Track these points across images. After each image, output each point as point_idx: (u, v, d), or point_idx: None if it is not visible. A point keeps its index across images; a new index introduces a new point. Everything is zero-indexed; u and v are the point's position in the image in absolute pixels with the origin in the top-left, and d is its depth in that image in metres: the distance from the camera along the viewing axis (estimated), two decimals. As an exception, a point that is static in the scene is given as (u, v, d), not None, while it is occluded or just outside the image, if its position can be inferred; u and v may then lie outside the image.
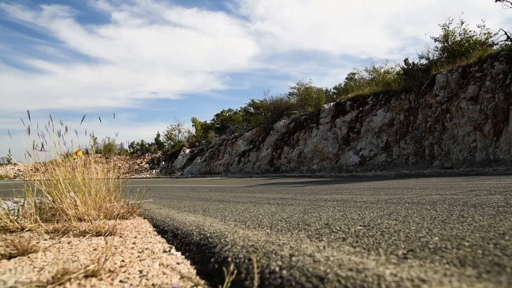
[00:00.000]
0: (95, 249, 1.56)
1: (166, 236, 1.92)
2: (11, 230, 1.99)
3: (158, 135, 31.74)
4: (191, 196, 5.19)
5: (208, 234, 1.71)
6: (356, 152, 13.95)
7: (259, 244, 1.40)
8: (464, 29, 13.72)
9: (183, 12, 73.24)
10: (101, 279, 1.09)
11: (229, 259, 1.25)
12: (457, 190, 3.73)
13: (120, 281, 1.09)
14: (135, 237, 1.86)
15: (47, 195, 2.39)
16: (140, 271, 1.19)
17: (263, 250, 1.30)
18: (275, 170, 17.37)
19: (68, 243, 1.70)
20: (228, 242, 1.49)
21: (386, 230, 1.60)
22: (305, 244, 1.39)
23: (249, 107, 27.27)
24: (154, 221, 2.47)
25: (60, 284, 1.04)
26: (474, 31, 13.67)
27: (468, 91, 11.00)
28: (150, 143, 32.23)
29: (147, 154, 29.65)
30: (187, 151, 25.41)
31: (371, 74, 19.27)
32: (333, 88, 24.99)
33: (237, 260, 1.22)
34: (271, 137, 18.83)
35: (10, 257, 1.40)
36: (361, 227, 1.73)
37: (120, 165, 26.46)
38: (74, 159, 2.75)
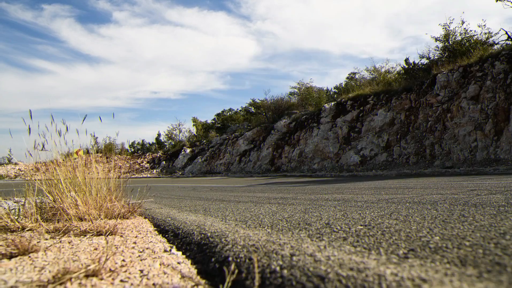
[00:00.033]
0: (95, 249, 1.56)
1: (167, 235, 1.92)
2: (12, 229, 2.00)
3: (159, 135, 31.79)
4: (191, 196, 5.19)
5: (209, 234, 1.71)
6: (356, 152, 13.94)
7: (260, 244, 1.40)
8: (464, 28, 13.70)
9: (184, 12, 73.33)
10: (101, 279, 1.09)
11: (230, 258, 1.25)
12: (458, 189, 3.72)
13: (121, 280, 1.09)
14: (136, 237, 1.86)
15: (48, 195, 2.39)
16: (141, 271, 1.19)
17: (264, 250, 1.30)
18: (276, 170, 17.37)
19: (69, 242, 1.70)
20: (229, 241, 1.49)
21: (387, 230, 1.60)
22: (306, 243, 1.39)
23: (250, 107, 27.25)
24: (155, 220, 2.47)
25: (60, 284, 1.04)
26: (474, 31, 13.66)
27: (469, 90, 10.99)
28: (150, 143, 32.29)
29: (147, 154, 29.68)
30: (188, 150, 25.41)
31: (371, 74, 19.23)
32: (334, 88, 25.01)
33: (238, 260, 1.22)
34: (271, 137, 18.83)
35: (11, 256, 1.40)
36: (362, 227, 1.73)
37: (120, 164, 26.49)
38: (75, 158, 2.75)
